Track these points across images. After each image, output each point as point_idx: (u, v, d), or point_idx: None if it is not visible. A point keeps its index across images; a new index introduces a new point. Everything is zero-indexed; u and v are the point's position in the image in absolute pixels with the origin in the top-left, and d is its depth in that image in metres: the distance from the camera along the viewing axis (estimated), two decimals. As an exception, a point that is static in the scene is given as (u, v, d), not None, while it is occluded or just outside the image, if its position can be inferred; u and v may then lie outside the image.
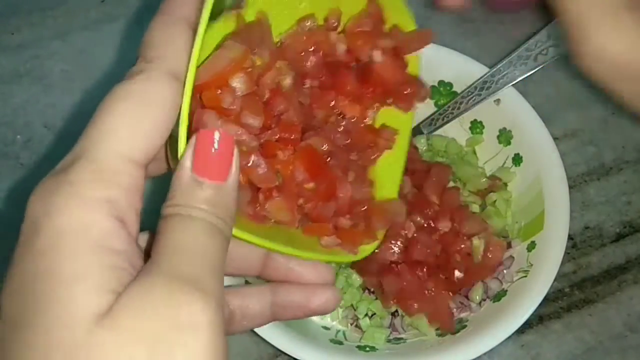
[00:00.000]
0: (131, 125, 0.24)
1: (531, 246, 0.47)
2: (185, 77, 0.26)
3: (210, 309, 0.22)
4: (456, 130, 0.54)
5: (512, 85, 0.51)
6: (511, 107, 0.52)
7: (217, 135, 0.25)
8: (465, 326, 0.45)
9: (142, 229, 0.26)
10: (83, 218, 0.22)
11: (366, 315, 0.48)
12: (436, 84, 0.54)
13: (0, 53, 0.62)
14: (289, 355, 0.44)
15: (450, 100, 0.54)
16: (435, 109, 0.55)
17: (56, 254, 0.22)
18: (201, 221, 0.24)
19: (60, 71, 0.61)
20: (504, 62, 0.51)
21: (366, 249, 0.36)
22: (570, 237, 0.50)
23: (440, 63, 0.53)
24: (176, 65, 0.26)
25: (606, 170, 0.56)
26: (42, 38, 0.63)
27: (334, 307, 0.33)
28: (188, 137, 0.25)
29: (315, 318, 0.48)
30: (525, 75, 0.50)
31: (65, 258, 0.22)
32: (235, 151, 0.25)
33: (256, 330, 0.43)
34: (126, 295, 0.22)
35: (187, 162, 0.24)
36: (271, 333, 0.43)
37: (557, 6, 0.34)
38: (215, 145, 0.25)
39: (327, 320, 0.48)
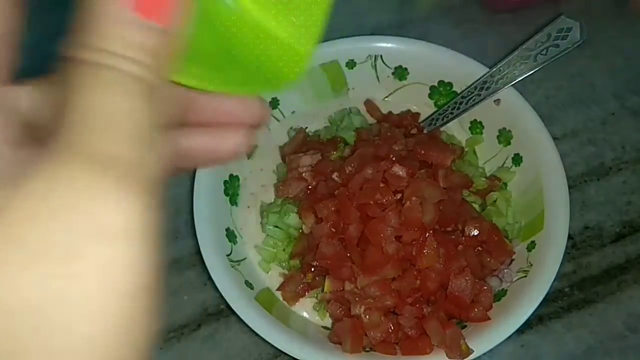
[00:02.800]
0: None
1: (531, 246, 0.47)
2: None
3: (137, 208, 0.16)
4: (456, 130, 0.55)
5: (512, 85, 0.51)
6: (511, 107, 0.52)
7: None
8: (466, 326, 0.45)
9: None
10: None
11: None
12: (436, 84, 0.54)
13: (0, 53, 0.62)
14: (289, 355, 0.44)
15: (450, 100, 0.54)
16: (435, 109, 0.55)
17: None
18: (137, 79, 0.17)
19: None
20: (504, 62, 0.51)
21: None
22: (570, 237, 0.50)
23: (440, 63, 0.53)
24: None
25: (606, 170, 0.56)
26: (43, 39, 0.62)
27: (244, 150, 0.26)
28: None
29: (315, 318, 0.48)
30: (525, 76, 0.50)
31: None
32: None
33: (256, 330, 0.43)
34: (22, 191, 0.16)
35: None
36: (271, 333, 0.43)
37: None
38: None
39: (327, 320, 0.48)
